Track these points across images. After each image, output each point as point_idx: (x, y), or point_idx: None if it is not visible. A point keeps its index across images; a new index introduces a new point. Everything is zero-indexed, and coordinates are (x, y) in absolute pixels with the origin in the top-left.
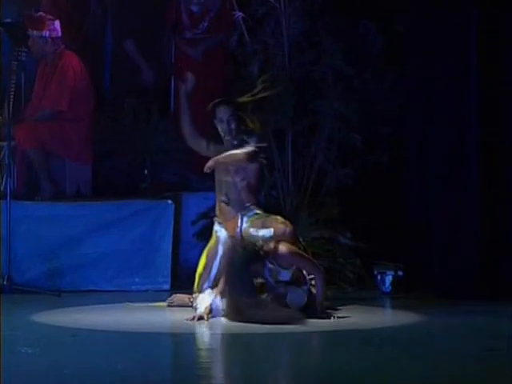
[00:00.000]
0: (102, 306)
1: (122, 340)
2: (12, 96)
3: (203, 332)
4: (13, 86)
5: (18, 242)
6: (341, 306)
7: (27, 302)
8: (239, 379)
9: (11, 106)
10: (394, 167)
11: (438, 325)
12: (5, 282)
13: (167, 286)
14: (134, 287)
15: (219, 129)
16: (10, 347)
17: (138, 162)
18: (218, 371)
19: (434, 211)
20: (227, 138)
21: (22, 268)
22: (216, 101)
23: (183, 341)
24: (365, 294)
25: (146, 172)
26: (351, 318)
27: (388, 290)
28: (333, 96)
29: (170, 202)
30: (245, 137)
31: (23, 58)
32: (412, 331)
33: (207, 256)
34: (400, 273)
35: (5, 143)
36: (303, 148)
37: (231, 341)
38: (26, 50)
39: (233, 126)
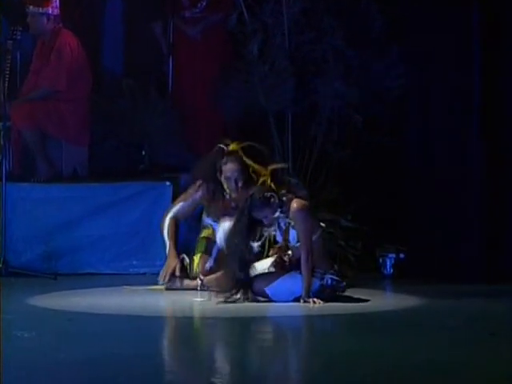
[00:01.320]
0: (99, 289)
1: (119, 324)
2: (7, 76)
3: (204, 315)
4: (8, 65)
5: (14, 224)
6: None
7: (23, 285)
8: (243, 365)
9: (6, 85)
10: (395, 148)
11: (439, 308)
12: (0, 265)
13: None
14: (131, 270)
15: (225, 185)
16: (5, 331)
17: (136, 144)
18: (220, 356)
19: (437, 193)
20: (234, 195)
21: (17, 250)
22: (223, 153)
23: (182, 324)
24: (366, 276)
25: (143, 153)
26: (352, 301)
27: (389, 273)
28: (333, 76)
29: (168, 183)
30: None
31: (19, 37)
32: (413, 315)
33: (207, 239)
34: (401, 255)
35: (0, 123)
36: (303, 129)
37: (232, 324)
38: (21, 28)
39: (240, 184)
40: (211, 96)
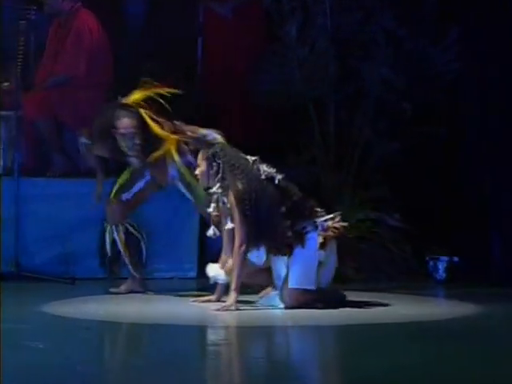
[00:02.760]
0: (119, 295)
1: (141, 333)
2: (20, 60)
3: (229, 324)
4: (21, 48)
5: (27, 223)
6: (388, 295)
7: (37, 290)
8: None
9: (19, 71)
10: (449, 141)
11: (496, 316)
12: (12, 268)
13: (193, 274)
14: (157, 274)
15: (122, 143)
16: (18, 341)
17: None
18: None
19: (494, 191)
20: (131, 154)
21: (30, 252)
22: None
23: (206, 333)
24: (416, 282)
25: None
26: (400, 309)
27: (442, 278)
28: (380, 60)
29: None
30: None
31: (33, 17)
32: (468, 323)
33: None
34: (456, 259)
35: (12, 113)
36: (346, 119)
37: (265, 332)
38: (35, 7)
39: (137, 142)
40: (243, 81)
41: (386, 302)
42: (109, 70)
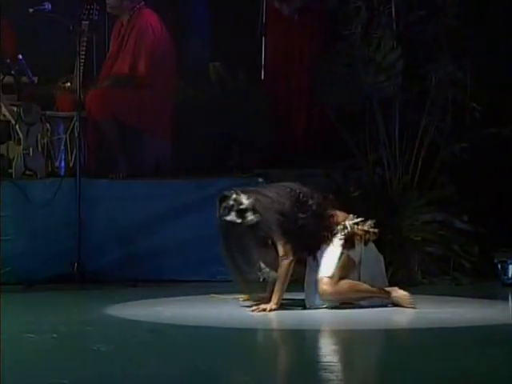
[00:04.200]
0: (183, 297)
1: (205, 337)
2: (82, 60)
3: (294, 327)
4: (83, 48)
5: (90, 225)
6: (455, 298)
7: (100, 292)
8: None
9: (82, 71)
10: None
11: None
12: (75, 270)
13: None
14: (219, 277)
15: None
16: (81, 344)
17: (224, 135)
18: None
19: None
20: None
21: (93, 254)
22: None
23: (273, 337)
24: (483, 285)
25: (232, 146)
26: (467, 312)
27: (510, 281)
28: (447, 59)
29: (260, 179)
30: None
31: (95, 17)
32: None
33: None
34: None
35: (75, 113)
36: (412, 119)
37: (323, 336)
38: (98, 7)
39: None
40: (308, 81)
41: (452, 305)
42: (172, 71)
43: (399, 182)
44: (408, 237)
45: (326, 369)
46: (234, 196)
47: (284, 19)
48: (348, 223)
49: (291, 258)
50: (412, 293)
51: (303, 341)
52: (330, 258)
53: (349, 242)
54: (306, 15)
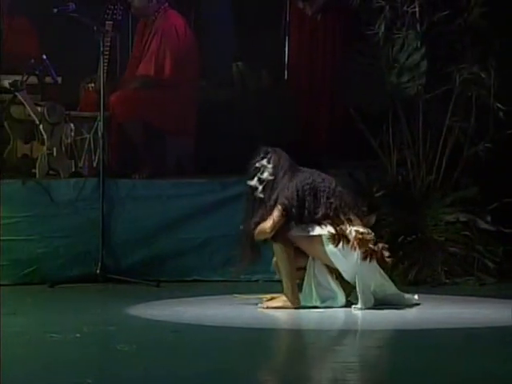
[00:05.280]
0: (206, 297)
1: (229, 337)
2: (106, 60)
3: (314, 327)
4: (107, 48)
5: (113, 225)
6: (479, 299)
7: (122, 292)
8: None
9: (105, 71)
10: None
11: None
12: (98, 270)
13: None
14: (242, 277)
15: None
16: (104, 344)
17: (248, 134)
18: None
19: None
20: None
21: (116, 255)
22: None
23: (295, 337)
24: (507, 285)
25: (255, 145)
26: (491, 313)
27: None
28: (471, 59)
29: None
30: None
31: (119, 17)
32: None
33: None
34: None
35: (98, 114)
36: (436, 119)
37: (348, 336)
38: (122, 7)
39: None
40: (332, 81)
41: (476, 306)
42: (197, 71)
43: (423, 182)
44: (431, 237)
45: (351, 369)
46: (265, 161)
47: (307, 19)
48: (352, 228)
49: (269, 232)
50: (436, 293)
51: (325, 341)
52: (309, 228)
53: (336, 238)
54: (330, 15)
